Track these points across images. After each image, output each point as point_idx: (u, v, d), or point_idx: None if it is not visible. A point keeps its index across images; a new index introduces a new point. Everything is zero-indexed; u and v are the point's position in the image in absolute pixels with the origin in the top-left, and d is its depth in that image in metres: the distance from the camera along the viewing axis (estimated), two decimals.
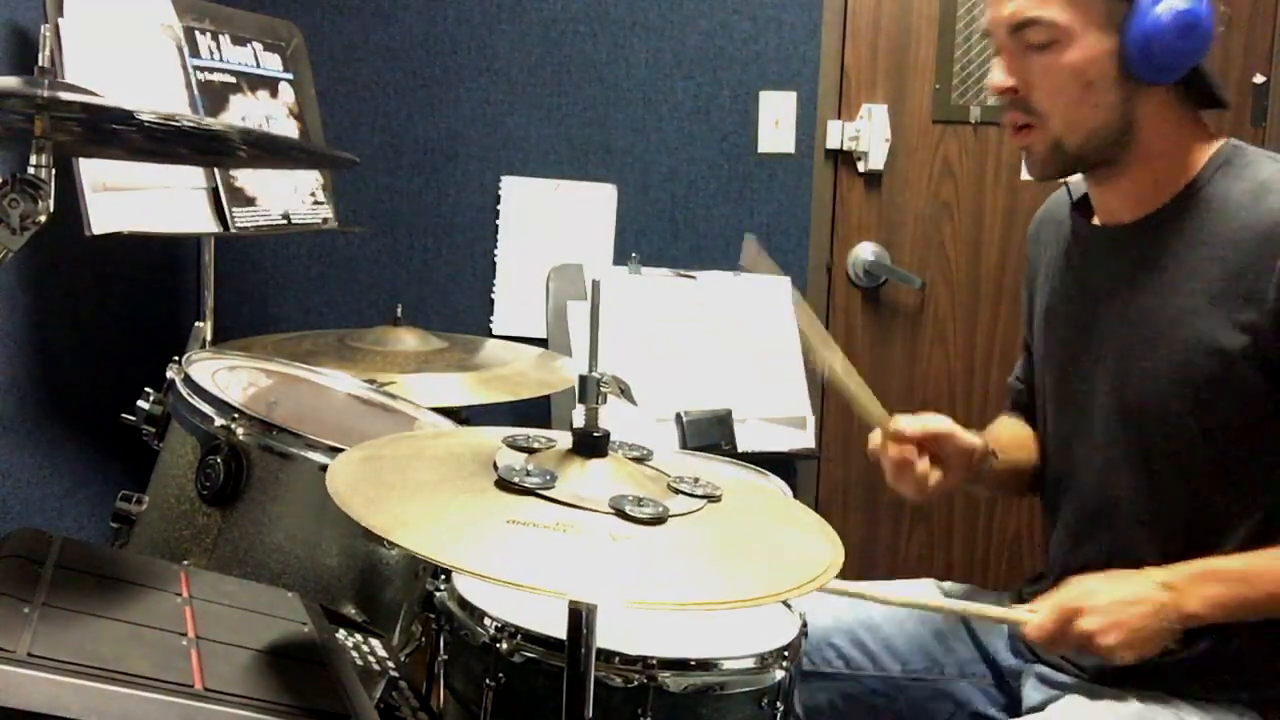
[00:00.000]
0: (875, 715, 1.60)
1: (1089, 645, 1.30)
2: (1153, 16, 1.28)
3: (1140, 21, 1.29)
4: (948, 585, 1.64)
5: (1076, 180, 1.49)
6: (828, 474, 2.84)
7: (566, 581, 0.88)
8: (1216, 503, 1.35)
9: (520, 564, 0.87)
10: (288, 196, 2.29)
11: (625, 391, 1.12)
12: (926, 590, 1.61)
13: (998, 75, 1.38)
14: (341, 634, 1.32)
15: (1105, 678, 1.41)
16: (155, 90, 2.05)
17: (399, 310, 2.15)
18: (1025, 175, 2.73)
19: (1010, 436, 1.63)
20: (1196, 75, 1.34)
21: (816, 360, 1.45)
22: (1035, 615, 1.33)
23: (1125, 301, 1.40)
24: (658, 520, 0.95)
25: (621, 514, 0.94)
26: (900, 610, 1.58)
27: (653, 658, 1.23)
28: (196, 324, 1.82)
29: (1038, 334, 1.58)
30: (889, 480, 1.49)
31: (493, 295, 2.79)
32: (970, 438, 1.48)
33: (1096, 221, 1.48)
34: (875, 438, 1.48)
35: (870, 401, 1.46)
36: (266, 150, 1.45)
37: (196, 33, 2.16)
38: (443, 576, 1.39)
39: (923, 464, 1.45)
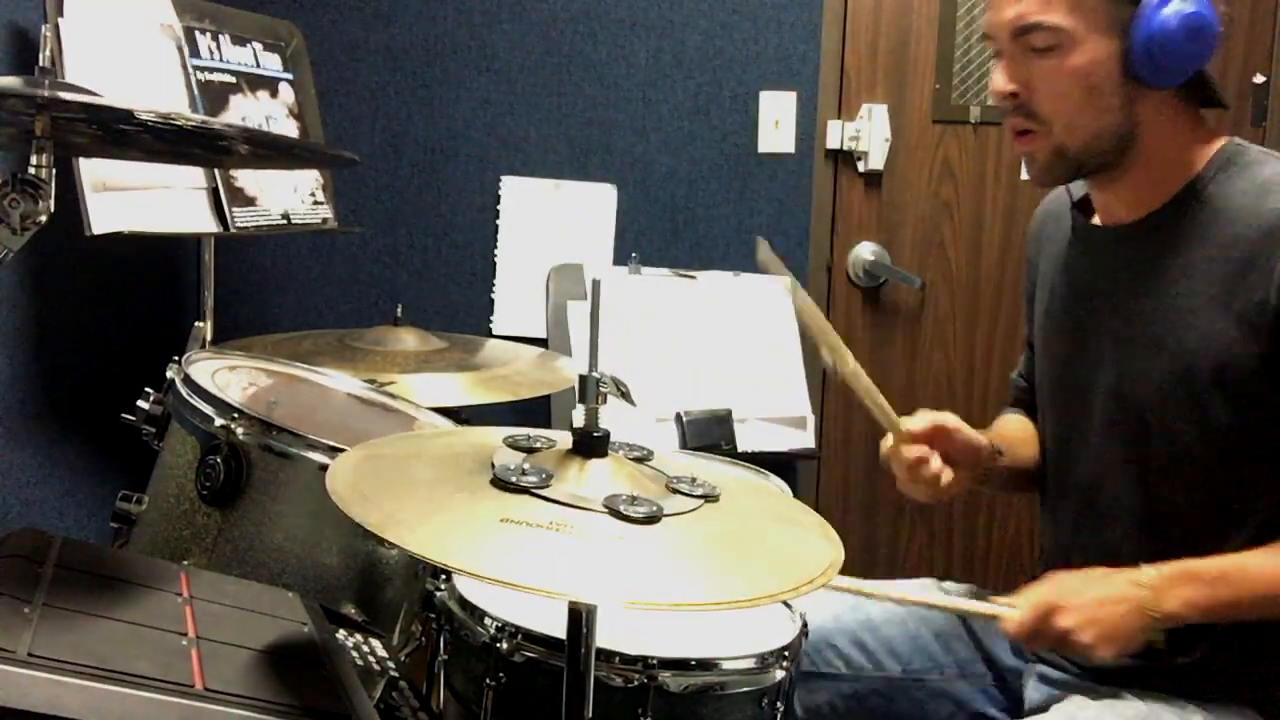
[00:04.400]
0: (875, 716, 1.59)
1: (1066, 642, 1.29)
2: (1159, 20, 1.26)
3: (1146, 25, 1.27)
4: (948, 584, 1.64)
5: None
6: (828, 474, 2.84)
7: (561, 580, 0.88)
8: (1214, 505, 1.35)
9: (514, 563, 0.87)
10: (288, 196, 2.29)
11: (625, 392, 1.11)
12: (926, 588, 1.61)
13: (999, 80, 1.37)
14: (341, 634, 1.33)
15: (1106, 677, 1.41)
16: (155, 90, 2.05)
17: (399, 310, 2.15)
18: (1025, 175, 2.76)
19: (1015, 432, 1.62)
20: (1198, 76, 1.33)
21: (834, 360, 1.45)
22: (1015, 610, 1.33)
23: (1124, 302, 1.40)
24: (651, 519, 0.95)
25: (615, 513, 0.94)
26: (900, 610, 1.58)
27: (653, 658, 1.23)
28: (196, 324, 1.82)
29: (1038, 333, 1.57)
30: (900, 485, 1.49)
31: (493, 295, 2.78)
32: (976, 435, 1.49)
33: (1096, 221, 1.47)
34: (886, 442, 1.49)
35: (882, 406, 1.46)
36: (268, 148, 1.45)
37: (196, 33, 2.16)
38: (443, 576, 1.39)
39: (935, 463, 1.45)
